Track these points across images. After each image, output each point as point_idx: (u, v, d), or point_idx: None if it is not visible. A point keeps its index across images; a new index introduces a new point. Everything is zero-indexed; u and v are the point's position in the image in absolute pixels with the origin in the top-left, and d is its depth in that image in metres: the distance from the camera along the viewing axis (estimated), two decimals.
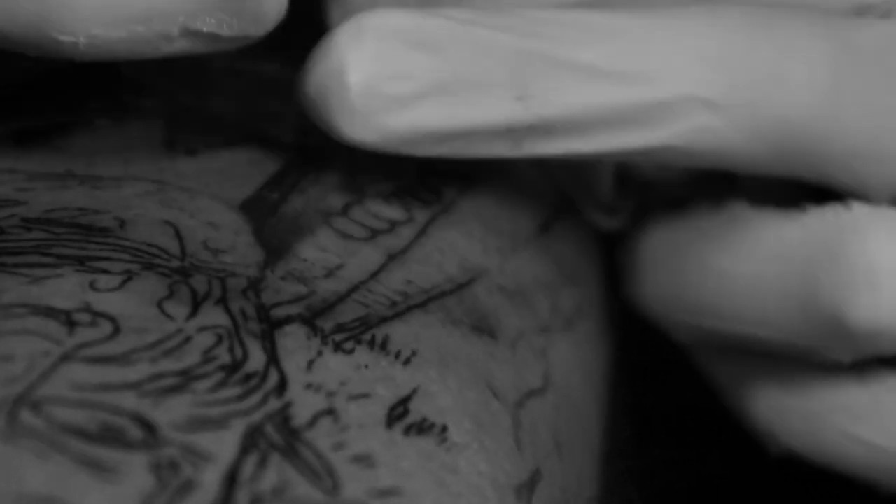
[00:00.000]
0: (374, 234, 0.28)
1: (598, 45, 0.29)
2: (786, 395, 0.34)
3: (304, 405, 0.22)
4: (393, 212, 0.29)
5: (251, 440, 0.20)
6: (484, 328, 0.28)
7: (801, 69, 0.29)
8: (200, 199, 0.28)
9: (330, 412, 0.22)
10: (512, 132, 0.29)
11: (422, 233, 0.29)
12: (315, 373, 0.23)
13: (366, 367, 0.24)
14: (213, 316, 0.23)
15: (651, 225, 0.35)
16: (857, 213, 0.31)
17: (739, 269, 0.32)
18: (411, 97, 0.28)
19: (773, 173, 0.31)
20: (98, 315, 0.22)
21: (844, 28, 0.30)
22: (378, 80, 0.27)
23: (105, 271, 0.23)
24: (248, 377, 0.22)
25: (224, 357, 0.22)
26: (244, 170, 0.29)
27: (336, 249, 0.27)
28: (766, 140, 0.30)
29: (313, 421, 0.21)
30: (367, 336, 0.25)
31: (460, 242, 0.30)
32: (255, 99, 0.33)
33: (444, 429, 0.24)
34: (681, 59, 0.29)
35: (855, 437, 0.33)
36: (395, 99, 0.28)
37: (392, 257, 0.28)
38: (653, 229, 0.35)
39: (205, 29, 0.25)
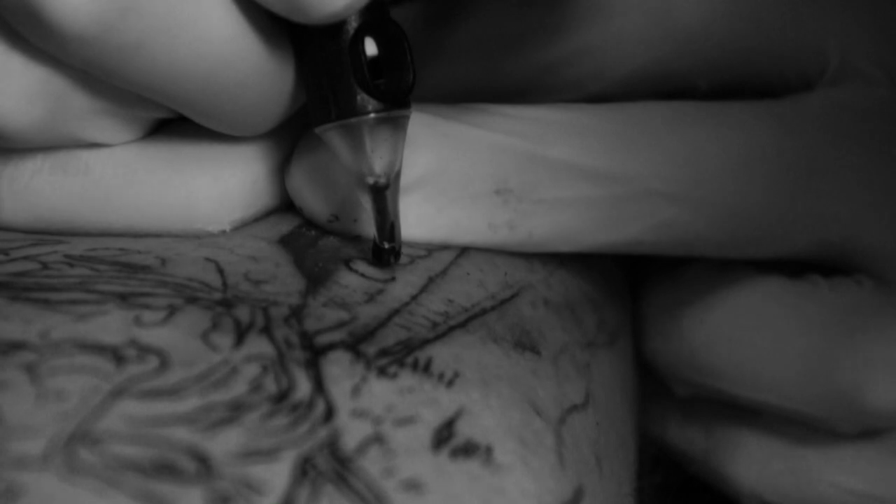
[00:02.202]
0: (413, 259, 0.29)
1: (570, 143, 0.30)
2: (773, 453, 0.35)
3: (351, 433, 0.22)
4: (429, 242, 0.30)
5: (302, 470, 0.21)
6: (526, 344, 0.28)
7: (753, 157, 0.31)
8: (238, 237, 0.28)
9: (377, 439, 0.22)
10: (492, 225, 0.30)
11: (461, 254, 0.30)
12: (361, 399, 0.23)
13: (410, 390, 0.24)
14: (258, 345, 0.24)
15: (658, 280, 0.36)
16: (869, 291, 0.32)
17: (749, 336, 0.33)
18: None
19: (741, 257, 0.33)
20: (145, 349, 0.22)
21: (786, 108, 0.32)
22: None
23: (148, 306, 0.24)
24: (296, 406, 0.22)
25: (271, 387, 0.23)
26: (279, 214, 0.30)
27: (376, 275, 0.28)
28: (728, 228, 0.31)
29: (361, 448, 0.22)
30: (410, 359, 0.25)
31: (502, 259, 0.30)
32: None
33: (489, 450, 0.24)
34: (646, 156, 0.30)
35: (850, 490, 0.34)
36: None
37: (431, 279, 0.28)
38: (659, 284, 0.36)
39: None
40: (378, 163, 0.27)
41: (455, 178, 0.30)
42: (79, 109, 0.27)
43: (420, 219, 0.30)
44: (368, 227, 0.29)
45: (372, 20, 0.26)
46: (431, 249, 0.30)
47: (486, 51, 0.34)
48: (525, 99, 0.33)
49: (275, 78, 0.27)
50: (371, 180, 0.27)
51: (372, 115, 0.26)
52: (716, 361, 0.34)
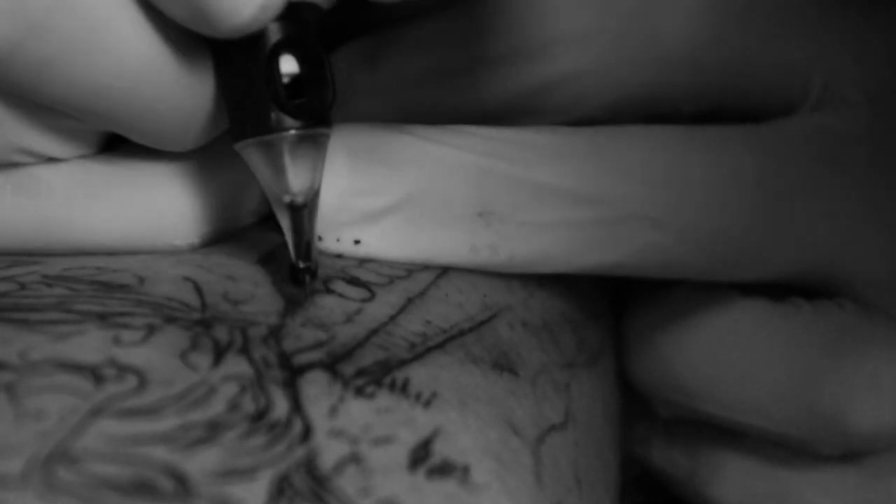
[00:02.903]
0: (392, 279, 0.29)
1: (552, 165, 0.31)
2: (756, 475, 0.35)
3: (328, 452, 0.23)
4: (409, 262, 0.30)
5: (279, 489, 0.21)
6: (504, 365, 0.29)
7: (735, 181, 0.31)
8: (216, 255, 0.29)
9: (354, 458, 0.23)
10: (473, 247, 0.30)
11: (441, 275, 0.30)
12: (338, 419, 0.24)
13: (387, 410, 0.25)
14: (236, 365, 0.24)
15: (641, 301, 0.36)
16: (852, 314, 0.33)
17: (732, 358, 0.34)
18: (379, 211, 0.30)
19: (724, 280, 0.34)
20: (124, 369, 0.23)
21: (768, 133, 0.32)
22: (349, 196, 0.29)
23: (127, 326, 0.24)
24: (273, 426, 0.23)
25: (248, 406, 0.23)
26: (261, 232, 0.30)
27: (354, 295, 0.28)
28: (709, 252, 0.32)
29: (338, 467, 0.22)
30: (388, 379, 0.25)
31: (481, 281, 0.31)
32: None
33: (466, 469, 0.24)
34: (628, 180, 0.31)
35: None
36: (364, 214, 0.30)
37: (410, 300, 0.29)
38: (643, 305, 0.36)
39: None
40: (295, 181, 0.27)
41: (437, 200, 0.30)
42: (16, 124, 0.27)
43: (401, 239, 0.30)
44: (352, 246, 0.30)
45: (291, 37, 0.26)
46: (411, 270, 0.30)
47: (468, 75, 0.34)
48: (510, 122, 0.33)
49: (198, 93, 0.27)
50: (288, 199, 0.27)
51: (291, 133, 0.26)
52: (699, 383, 0.34)
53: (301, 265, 0.27)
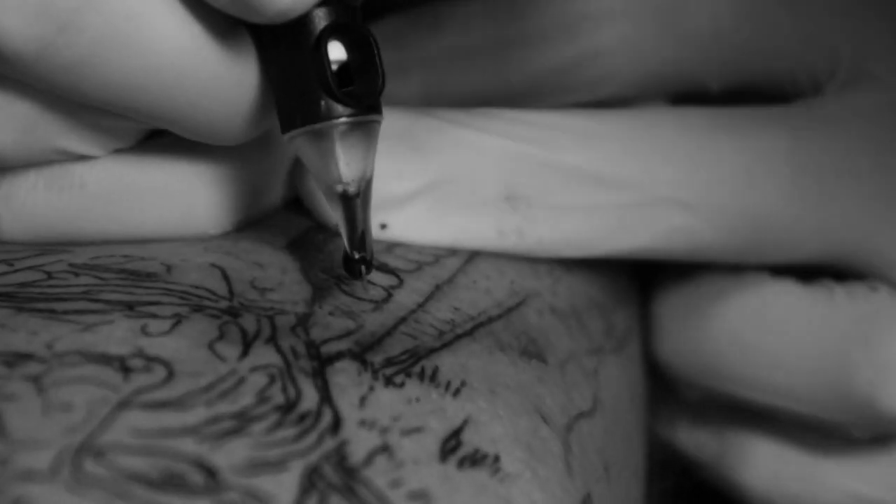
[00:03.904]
0: (420, 266, 0.29)
1: (581, 149, 0.30)
2: (785, 459, 0.35)
3: (359, 443, 0.23)
4: (437, 248, 0.30)
5: (309, 481, 0.21)
6: (533, 352, 0.29)
7: (764, 163, 0.31)
8: (244, 242, 0.29)
9: (385, 449, 0.23)
10: (501, 231, 0.30)
11: (468, 261, 0.30)
12: (368, 409, 0.24)
13: (417, 400, 0.24)
14: (265, 355, 0.24)
15: (670, 284, 0.36)
16: (885, 296, 0.32)
17: (765, 341, 0.34)
18: (406, 196, 0.30)
19: (754, 263, 0.33)
20: (151, 360, 0.23)
21: (797, 114, 0.32)
22: (376, 181, 0.29)
23: (154, 315, 0.24)
24: (303, 417, 0.23)
25: (278, 397, 0.23)
26: (289, 216, 0.30)
27: (383, 282, 0.28)
28: (740, 235, 0.32)
29: (369, 459, 0.22)
30: (417, 368, 0.25)
31: (508, 267, 0.31)
32: None
33: (497, 459, 0.24)
34: (657, 163, 0.31)
35: (862, 497, 0.34)
36: (391, 198, 0.30)
37: (438, 287, 0.29)
38: (672, 288, 0.36)
39: None
40: (347, 170, 0.26)
41: (465, 184, 0.30)
42: (54, 126, 0.27)
43: (429, 224, 0.30)
44: (379, 231, 0.30)
45: (338, 23, 0.25)
46: (439, 256, 0.30)
47: (496, 53, 0.34)
48: (537, 100, 0.33)
49: (242, 85, 0.26)
50: (340, 188, 0.26)
51: (342, 120, 0.25)
52: (729, 366, 0.34)
53: (356, 256, 0.27)
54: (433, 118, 0.30)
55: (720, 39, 0.33)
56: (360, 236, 0.27)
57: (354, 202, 0.26)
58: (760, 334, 0.34)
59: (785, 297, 0.34)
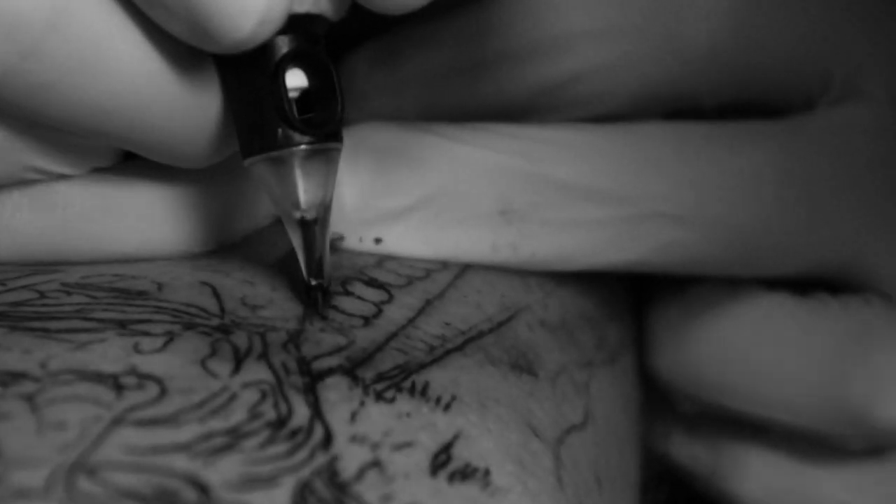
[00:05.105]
0: (411, 280, 0.29)
1: (575, 163, 0.31)
2: (780, 471, 0.36)
3: (350, 458, 0.23)
4: (428, 262, 0.30)
5: (301, 496, 0.22)
6: (523, 365, 0.29)
7: (757, 178, 0.32)
8: (234, 259, 0.29)
9: (376, 464, 0.23)
10: (495, 245, 0.31)
11: (459, 275, 0.30)
12: (359, 424, 0.24)
13: (407, 415, 0.25)
14: (256, 371, 0.24)
15: (665, 296, 0.36)
16: (879, 309, 0.33)
17: (760, 354, 0.34)
18: (401, 210, 0.30)
19: (747, 276, 0.34)
20: (144, 377, 0.23)
21: (790, 129, 0.33)
22: (371, 195, 0.29)
23: (147, 333, 0.24)
24: (295, 433, 0.23)
25: (269, 413, 0.23)
26: (278, 232, 0.30)
27: (373, 297, 0.28)
28: (732, 248, 0.32)
29: (360, 474, 0.23)
30: (408, 383, 0.26)
31: (499, 280, 0.31)
32: None
33: (487, 473, 0.25)
34: (650, 177, 0.31)
35: None
36: (386, 213, 0.30)
37: (429, 301, 0.29)
38: (667, 300, 0.36)
39: None
40: (305, 196, 0.26)
41: (459, 199, 0.30)
42: (28, 146, 0.27)
43: (423, 238, 0.30)
44: (374, 245, 0.30)
45: (298, 51, 0.26)
46: (430, 270, 0.30)
47: (490, 70, 0.34)
48: (530, 117, 0.34)
49: (204, 110, 0.26)
50: (298, 215, 0.26)
51: (301, 148, 0.26)
52: (724, 379, 0.35)
53: (313, 283, 0.27)
54: (427, 133, 0.30)
55: (717, 58, 0.33)
56: (317, 263, 0.27)
57: (313, 229, 0.27)
58: (755, 347, 0.34)
59: (780, 310, 0.34)
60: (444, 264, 0.31)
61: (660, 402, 0.38)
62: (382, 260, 0.30)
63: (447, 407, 0.26)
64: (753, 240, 0.32)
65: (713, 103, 0.34)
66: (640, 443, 0.36)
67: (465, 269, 0.31)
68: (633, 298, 0.37)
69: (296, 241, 0.27)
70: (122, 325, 0.25)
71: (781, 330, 0.34)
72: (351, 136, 0.30)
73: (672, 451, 0.38)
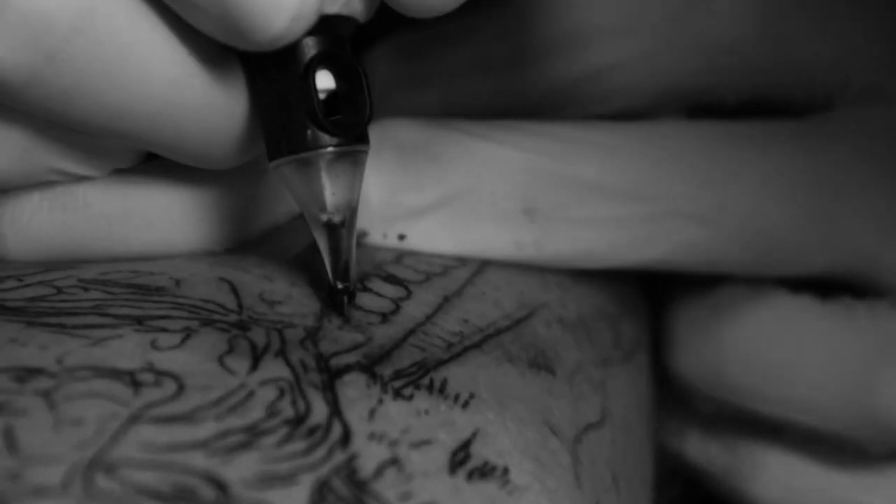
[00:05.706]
0: (429, 276, 0.29)
1: (599, 162, 0.31)
2: (797, 472, 0.36)
3: (368, 456, 0.23)
4: (447, 258, 0.30)
5: (320, 495, 0.21)
6: (541, 363, 0.29)
7: (777, 177, 0.32)
8: (252, 255, 0.29)
9: (394, 462, 0.23)
10: (518, 243, 0.31)
11: (477, 272, 0.30)
12: (377, 422, 0.24)
13: (426, 412, 0.25)
14: (274, 368, 0.24)
15: (686, 295, 0.36)
16: None
17: (782, 356, 0.34)
18: (425, 207, 0.30)
19: (766, 276, 0.34)
20: (161, 374, 0.23)
21: (810, 129, 0.33)
22: (395, 192, 0.29)
23: (164, 329, 0.24)
24: (313, 430, 0.23)
25: (287, 411, 0.23)
26: (297, 228, 0.30)
27: (391, 294, 0.28)
28: (753, 248, 0.32)
29: (378, 472, 0.23)
30: (426, 380, 0.26)
31: (517, 277, 0.31)
32: None
33: (506, 471, 0.25)
34: (673, 176, 0.31)
35: None
36: (410, 210, 0.30)
37: (447, 298, 0.29)
38: (688, 300, 0.36)
39: None
40: (332, 199, 0.26)
41: (483, 196, 0.30)
42: (51, 148, 0.27)
43: (447, 235, 0.30)
44: (397, 242, 0.30)
45: (327, 52, 0.25)
46: (448, 266, 0.30)
47: (513, 65, 0.34)
48: (553, 112, 0.34)
49: (231, 112, 0.26)
50: (325, 217, 0.26)
51: (329, 150, 0.25)
52: (747, 379, 0.34)
53: (339, 286, 0.27)
54: (452, 130, 0.30)
55: (739, 54, 0.33)
56: (343, 266, 0.27)
57: (339, 231, 0.26)
58: (778, 350, 0.34)
59: (804, 312, 0.34)
60: (463, 261, 0.31)
61: (675, 400, 0.37)
62: (401, 256, 0.30)
63: (465, 404, 0.26)
64: (773, 239, 0.32)
65: (734, 100, 0.34)
66: (654, 440, 0.36)
67: (484, 266, 0.31)
68: (647, 296, 0.37)
69: (322, 244, 0.27)
70: (139, 322, 0.25)
71: (806, 333, 0.34)
72: (375, 132, 0.30)
73: (687, 449, 0.38)
